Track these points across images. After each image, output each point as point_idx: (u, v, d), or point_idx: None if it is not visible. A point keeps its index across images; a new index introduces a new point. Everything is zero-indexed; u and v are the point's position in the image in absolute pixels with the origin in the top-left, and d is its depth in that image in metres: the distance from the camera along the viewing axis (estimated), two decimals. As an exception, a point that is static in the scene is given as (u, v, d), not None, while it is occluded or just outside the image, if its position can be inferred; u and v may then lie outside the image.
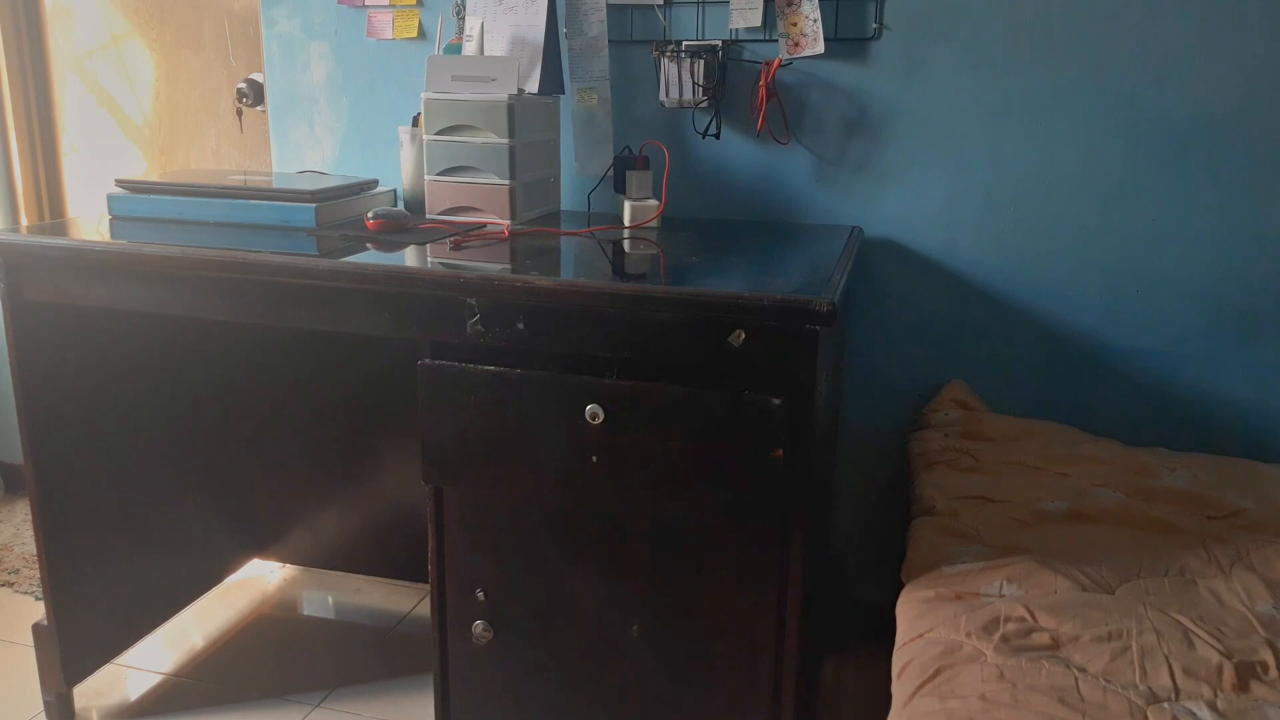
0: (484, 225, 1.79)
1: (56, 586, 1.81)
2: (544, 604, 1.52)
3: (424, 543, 1.55)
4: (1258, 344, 1.85)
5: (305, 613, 2.34)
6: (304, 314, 1.54)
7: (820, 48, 1.90)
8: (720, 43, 1.94)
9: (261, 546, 2.42)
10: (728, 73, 1.96)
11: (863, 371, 2.05)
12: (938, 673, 1.20)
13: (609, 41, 1.99)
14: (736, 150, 2.03)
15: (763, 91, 1.94)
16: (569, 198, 2.08)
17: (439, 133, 1.81)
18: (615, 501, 1.43)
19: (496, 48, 1.93)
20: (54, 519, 1.79)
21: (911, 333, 2.01)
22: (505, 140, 1.77)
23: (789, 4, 1.90)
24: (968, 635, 1.25)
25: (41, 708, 1.89)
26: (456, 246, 1.64)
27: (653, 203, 1.88)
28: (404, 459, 2.26)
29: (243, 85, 2.43)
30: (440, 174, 1.83)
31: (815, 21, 1.89)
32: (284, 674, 2.05)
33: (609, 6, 1.98)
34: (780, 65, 1.93)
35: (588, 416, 1.38)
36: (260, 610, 2.31)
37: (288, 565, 2.47)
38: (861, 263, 1.97)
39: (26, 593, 2.36)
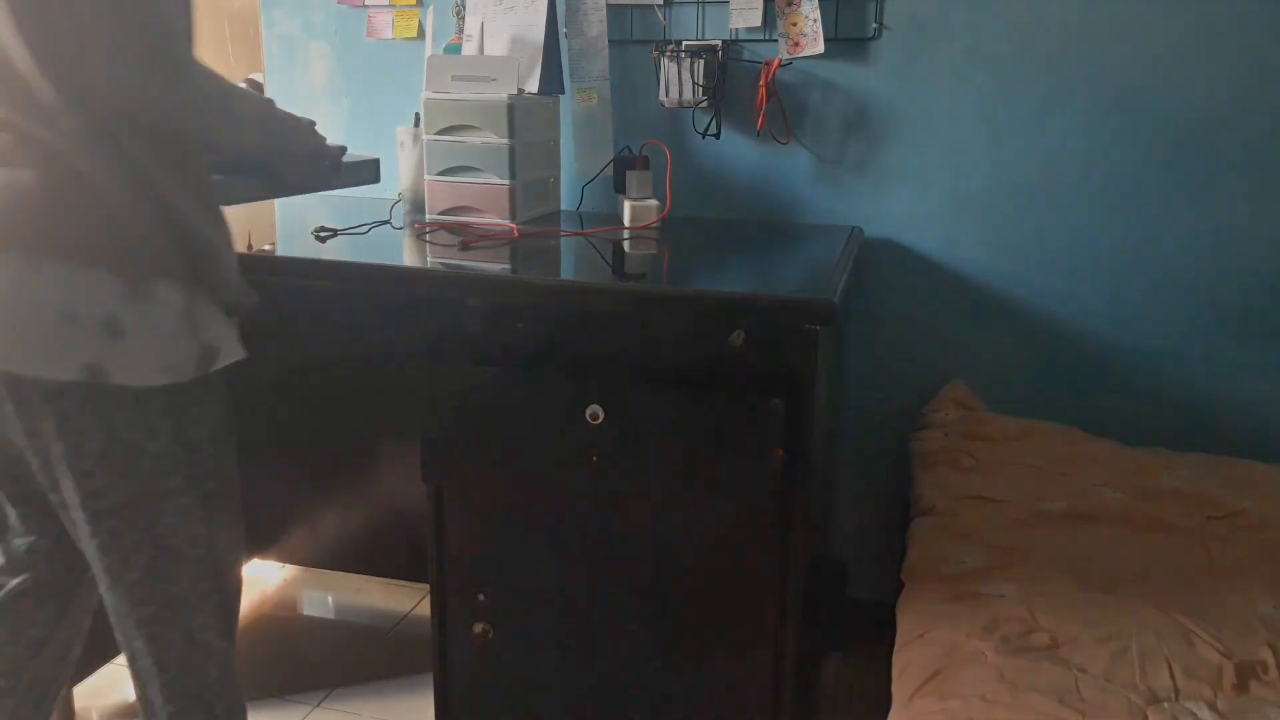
0: (495, 227, 1.79)
1: (56, 586, 1.80)
2: (544, 604, 1.52)
3: (424, 543, 1.55)
4: (1258, 344, 1.85)
5: (305, 613, 2.34)
6: (304, 312, 1.54)
7: (820, 48, 1.90)
8: (720, 43, 1.94)
9: (261, 546, 2.42)
10: (728, 73, 1.96)
11: (863, 371, 2.05)
12: (938, 673, 1.20)
13: (609, 41, 1.99)
14: (736, 150, 2.03)
15: (763, 91, 1.94)
16: (569, 198, 2.08)
17: (439, 133, 1.81)
18: (615, 501, 1.43)
19: (496, 48, 1.93)
20: (54, 519, 1.79)
21: (911, 333, 2.01)
22: (505, 140, 1.77)
23: (789, 4, 1.90)
24: (968, 635, 1.25)
25: (41, 708, 1.89)
26: (465, 247, 1.65)
27: (653, 203, 1.88)
28: (404, 459, 2.26)
29: (243, 85, 2.43)
30: (440, 174, 1.83)
31: (815, 21, 1.89)
32: (284, 674, 2.05)
33: (609, 6, 1.98)
34: (780, 65, 1.93)
35: (588, 416, 1.38)
36: (260, 610, 2.31)
37: (288, 565, 2.47)
38: (861, 262, 1.97)
39: (26, 593, 2.36)
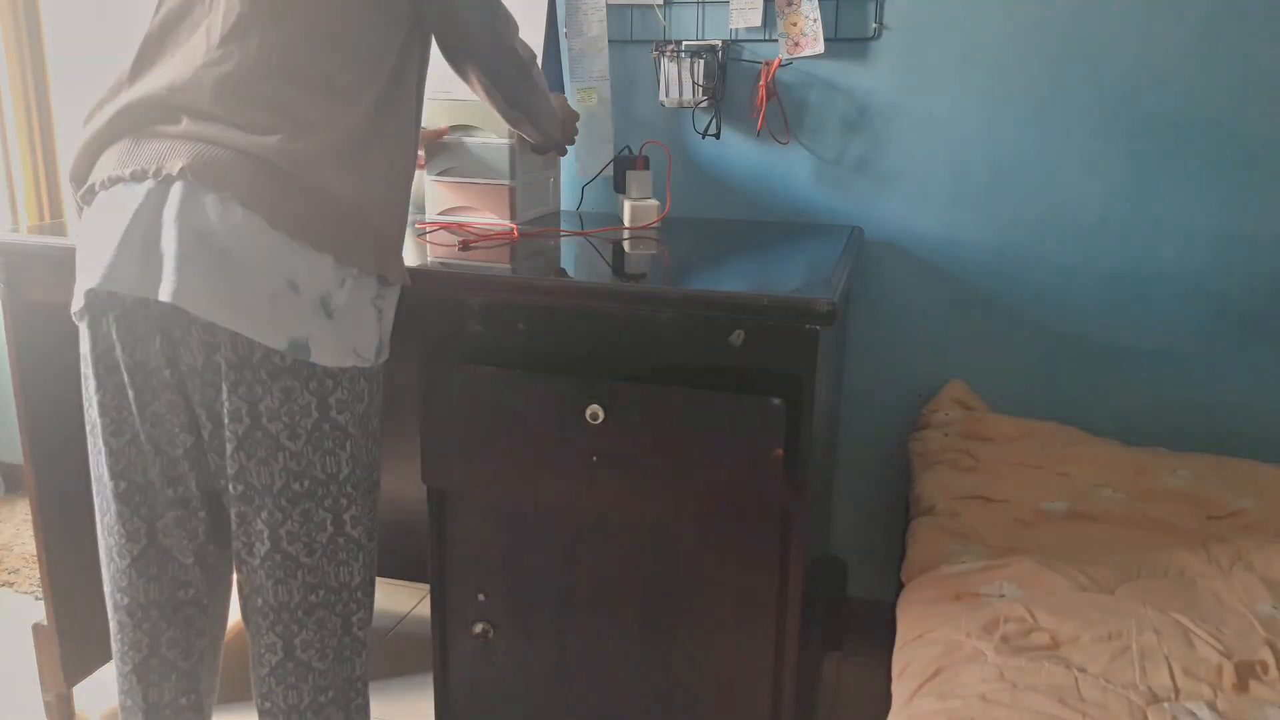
0: (494, 227, 1.79)
1: (56, 586, 1.81)
2: (544, 604, 1.52)
3: (424, 543, 1.55)
4: (1258, 344, 1.85)
5: (305, 613, 2.34)
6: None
7: (820, 48, 1.90)
8: (720, 43, 1.94)
9: (261, 546, 2.42)
10: (728, 73, 1.96)
11: (863, 371, 2.05)
12: (938, 673, 1.20)
13: (609, 41, 1.99)
14: (736, 150, 2.03)
15: (763, 91, 1.94)
16: (569, 198, 2.08)
17: (439, 133, 1.81)
18: (615, 501, 1.43)
19: (496, 48, 1.93)
20: (54, 519, 1.79)
21: (911, 333, 2.01)
22: (505, 140, 1.77)
23: (789, 4, 1.90)
24: (968, 635, 1.25)
25: (41, 708, 1.89)
26: (465, 247, 1.64)
27: (653, 203, 1.88)
28: (404, 459, 2.26)
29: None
30: (440, 174, 1.83)
31: (815, 21, 1.89)
32: (284, 674, 2.04)
33: (609, 6, 1.98)
34: (780, 65, 1.93)
35: (588, 416, 1.38)
36: (260, 610, 2.30)
37: (288, 565, 2.47)
38: (861, 263, 1.97)
39: (26, 593, 2.36)
